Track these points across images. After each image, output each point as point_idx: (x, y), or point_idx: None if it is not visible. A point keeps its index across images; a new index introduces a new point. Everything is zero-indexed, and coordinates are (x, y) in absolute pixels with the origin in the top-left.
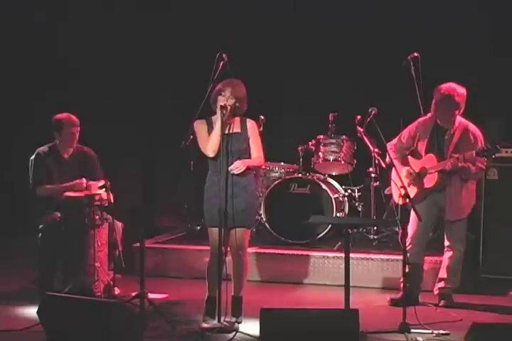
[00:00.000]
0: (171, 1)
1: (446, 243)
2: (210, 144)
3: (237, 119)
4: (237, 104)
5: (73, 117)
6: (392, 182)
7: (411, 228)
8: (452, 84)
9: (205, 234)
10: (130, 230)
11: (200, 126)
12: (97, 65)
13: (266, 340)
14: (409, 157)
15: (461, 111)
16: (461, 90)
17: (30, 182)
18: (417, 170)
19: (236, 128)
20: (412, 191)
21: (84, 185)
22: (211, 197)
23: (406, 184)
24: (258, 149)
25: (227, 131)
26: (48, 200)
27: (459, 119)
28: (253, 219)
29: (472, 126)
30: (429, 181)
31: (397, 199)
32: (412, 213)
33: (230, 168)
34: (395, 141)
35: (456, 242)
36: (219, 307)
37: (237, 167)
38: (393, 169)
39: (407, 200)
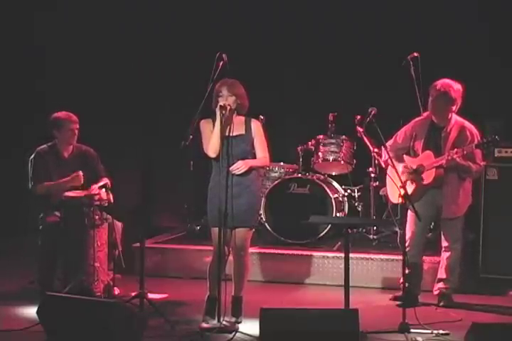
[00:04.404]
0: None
1: (444, 243)
2: (210, 145)
3: (242, 120)
4: (238, 101)
5: (72, 114)
6: (387, 182)
7: (409, 228)
8: (447, 80)
9: (205, 234)
10: (130, 230)
11: (205, 126)
12: (97, 64)
13: (266, 340)
14: (405, 156)
15: (458, 107)
16: (457, 86)
17: (29, 182)
18: (414, 167)
19: (240, 130)
20: (410, 188)
21: (81, 177)
22: (213, 197)
23: (403, 180)
24: (263, 149)
25: (228, 133)
26: (47, 199)
27: (455, 117)
28: (255, 219)
29: (468, 124)
30: (427, 177)
31: (395, 199)
32: (409, 213)
33: (230, 169)
34: (390, 141)
35: (453, 241)
36: (219, 307)
37: (238, 167)
38: (388, 169)
39: (407, 200)
